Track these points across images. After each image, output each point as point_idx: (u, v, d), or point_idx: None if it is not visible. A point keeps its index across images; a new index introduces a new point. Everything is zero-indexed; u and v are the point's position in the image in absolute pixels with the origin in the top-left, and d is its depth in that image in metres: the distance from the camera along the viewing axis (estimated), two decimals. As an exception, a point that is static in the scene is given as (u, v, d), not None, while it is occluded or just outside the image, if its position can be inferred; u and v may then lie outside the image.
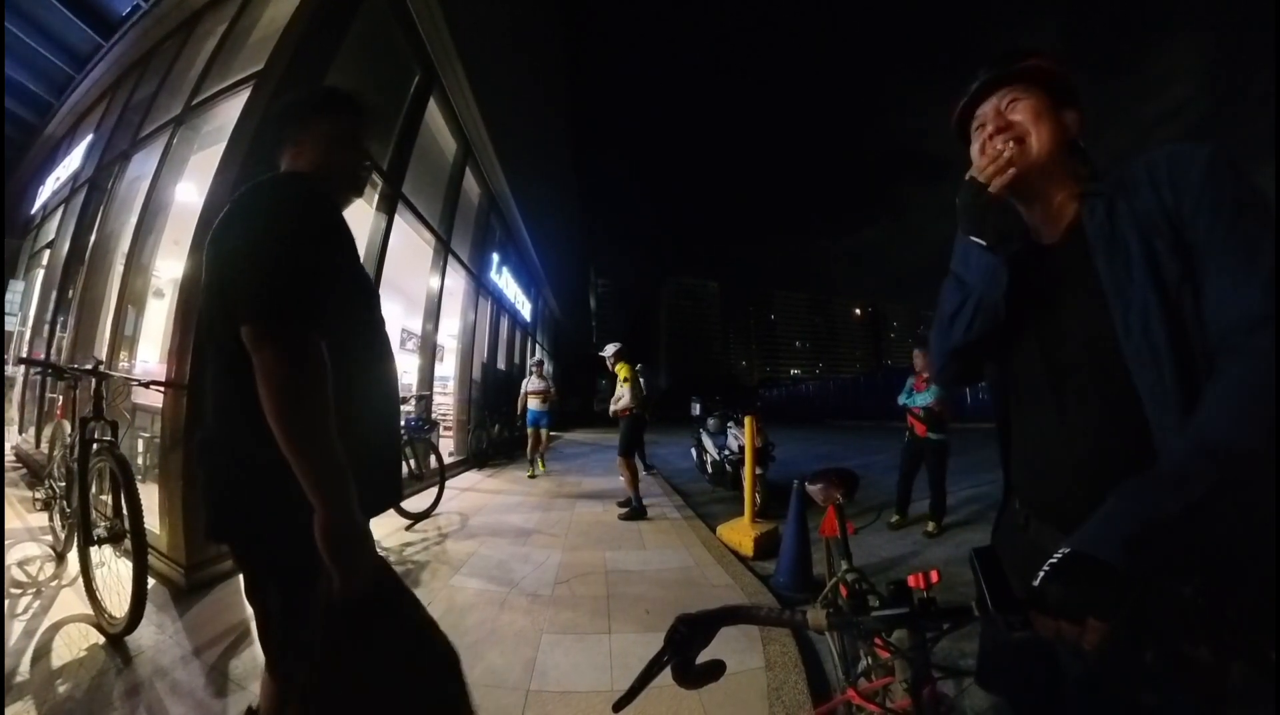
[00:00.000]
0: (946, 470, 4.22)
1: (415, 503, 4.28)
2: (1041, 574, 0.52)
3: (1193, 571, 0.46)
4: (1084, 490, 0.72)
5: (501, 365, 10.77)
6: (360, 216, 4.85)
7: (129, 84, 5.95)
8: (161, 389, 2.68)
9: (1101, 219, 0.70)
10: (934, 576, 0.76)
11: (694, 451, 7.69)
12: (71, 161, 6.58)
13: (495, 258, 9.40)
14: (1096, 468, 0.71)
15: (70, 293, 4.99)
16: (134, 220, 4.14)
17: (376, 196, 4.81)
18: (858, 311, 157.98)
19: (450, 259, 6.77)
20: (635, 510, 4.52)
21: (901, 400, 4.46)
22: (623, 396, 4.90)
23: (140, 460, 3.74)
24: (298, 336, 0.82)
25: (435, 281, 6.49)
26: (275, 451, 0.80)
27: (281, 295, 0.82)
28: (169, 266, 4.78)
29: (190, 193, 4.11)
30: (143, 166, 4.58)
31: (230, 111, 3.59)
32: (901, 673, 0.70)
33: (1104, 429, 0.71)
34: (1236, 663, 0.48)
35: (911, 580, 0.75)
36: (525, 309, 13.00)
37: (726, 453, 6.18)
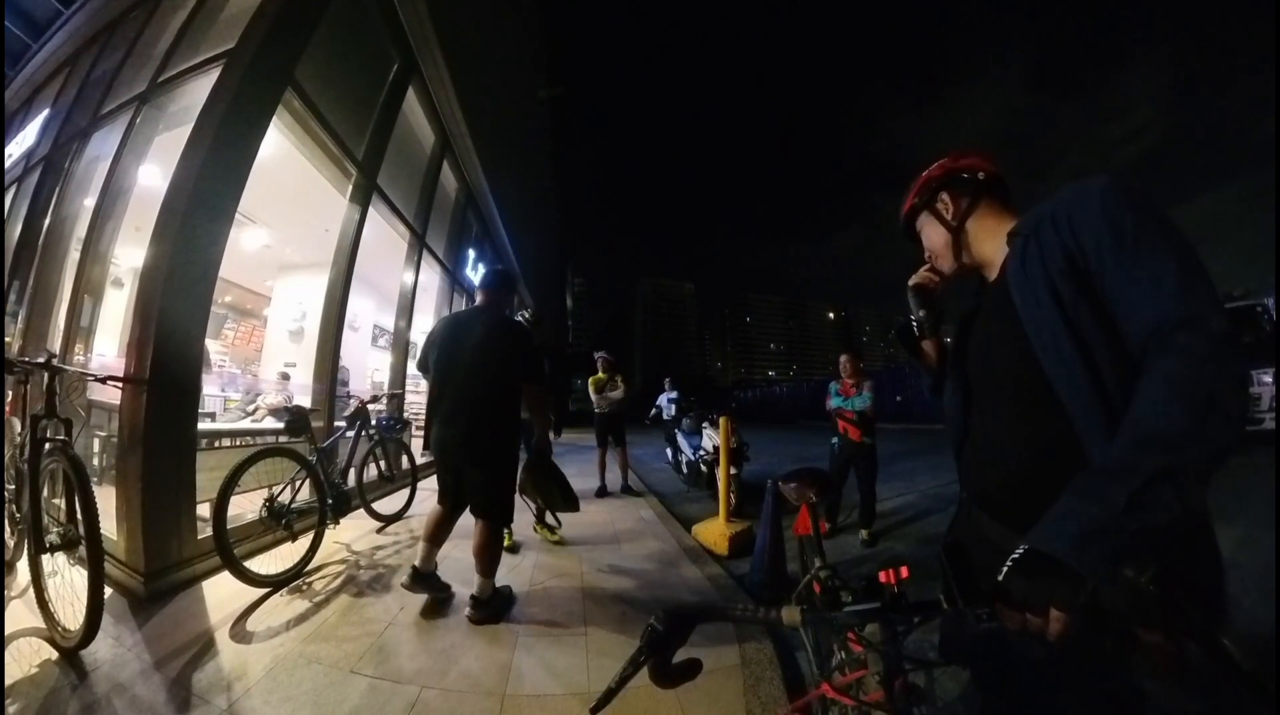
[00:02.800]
0: (877, 474, 4.20)
1: (387, 505, 4.21)
2: (1005, 569, 0.55)
3: (1145, 560, 0.51)
4: (1015, 484, 0.85)
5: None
6: (334, 208, 4.75)
7: (90, 57, 5.63)
8: (119, 385, 2.57)
9: (1017, 261, 0.83)
10: (904, 572, 0.78)
11: (669, 452, 7.74)
12: (25, 138, 6.20)
13: (471, 254, 9.28)
14: (1025, 464, 0.83)
15: (21, 280, 4.73)
16: (92, 203, 3.94)
17: (350, 187, 4.68)
18: (832, 315, 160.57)
19: (425, 254, 6.66)
20: (598, 490, 5.60)
21: (835, 404, 4.36)
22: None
23: (96, 461, 3.57)
24: (543, 386, 2.80)
25: (409, 277, 6.36)
26: (517, 423, 2.63)
27: (540, 372, 2.71)
28: (129, 254, 4.55)
29: (154, 176, 3.90)
30: (103, 146, 4.35)
31: (198, 91, 3.42)
32: (874, 665, 0.73)
33: (1030, 431, 0.83)
34: (1187, 644, 0.52)
35: (883, 576, 0.77)
36: (501, 306, 12.88)
37: (701, 453, 6.24)
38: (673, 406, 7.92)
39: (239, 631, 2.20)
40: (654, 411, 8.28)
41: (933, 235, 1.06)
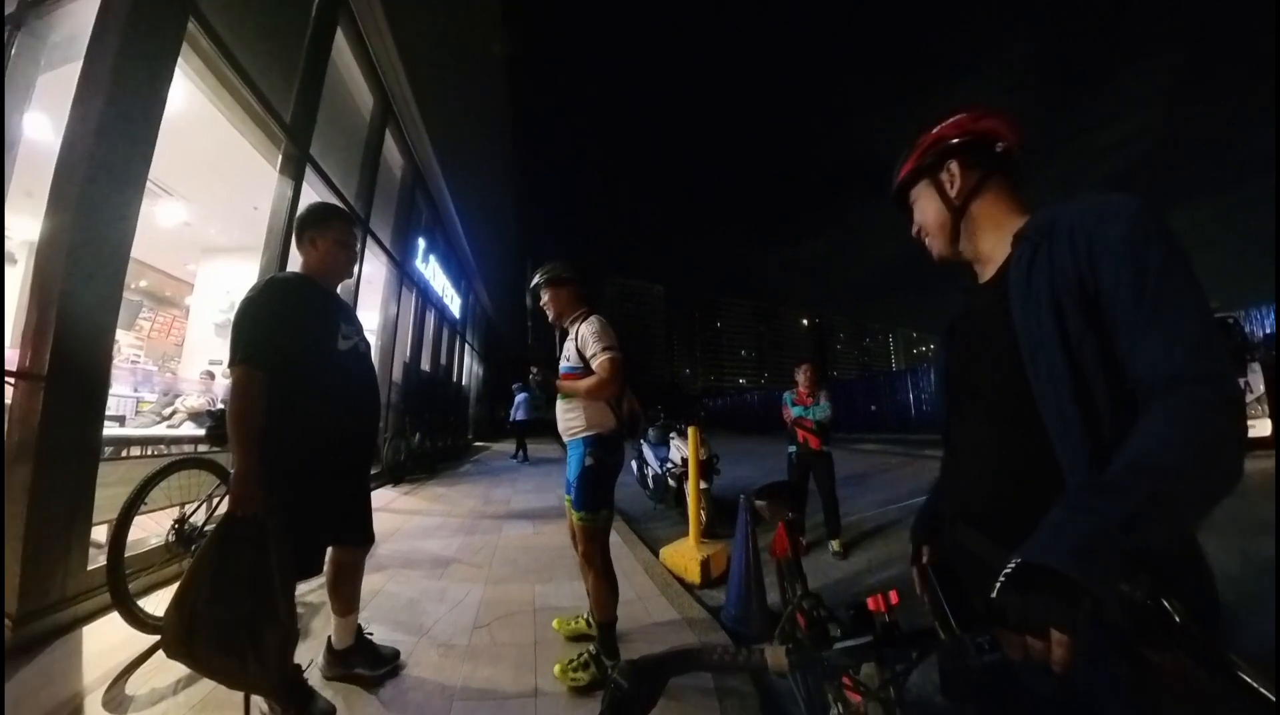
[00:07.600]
0: (835, 481, 4.48)
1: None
2: (997, 586, 0.56)
3: (1140, 576, 0.51)
4: (992, 495, 0.86)
5: (426, 365, 10.38)
6: (263, 182, 4.51)
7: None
8: (11, 381, 2.33)
9: (1022, 270, 0.80)
10: (894, 598, 0.75)
11: (634, 464, 7.70)
12: None
13: (421, 243, 9.06)
14: (1003, 477, 0.85)
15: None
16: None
17: (280, 157, 4.42)
18: (805, 322, 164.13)
19: (369, 241, 6.44)
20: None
21: (797, 413, 4.59)
22: None
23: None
24: (240, 373, 1.66)
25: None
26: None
27: (234, 352, 1.68)
28: (21, 224, 4.20)
29: (43, 127, 3.51)
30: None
31: (83, 15, 2.94)
32: (875, 715, 0.70)
33: (1009, 445, 0.84)
34: (1192, 660, 0.52)
35: (871, 603, 0.74)
36: (454, 304, 12.61)
37: (669, 466, 6.22)
38: None
39: (115, 696, 1.91)
40: None
41: (928, 211, 0.97)
